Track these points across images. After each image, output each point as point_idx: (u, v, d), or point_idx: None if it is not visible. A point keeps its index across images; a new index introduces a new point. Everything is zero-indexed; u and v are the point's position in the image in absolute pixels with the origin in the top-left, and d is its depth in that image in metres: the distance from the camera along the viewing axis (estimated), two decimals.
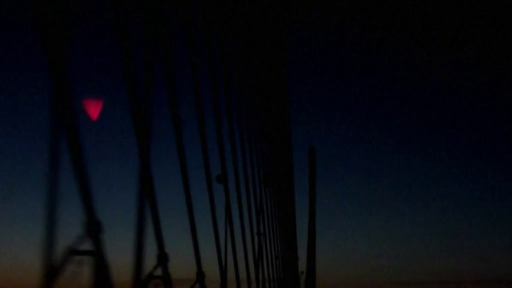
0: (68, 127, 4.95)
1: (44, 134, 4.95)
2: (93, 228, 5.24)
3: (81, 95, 5.35)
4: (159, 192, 6.99)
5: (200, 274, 9.19)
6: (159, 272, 7.36)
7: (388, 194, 75.56)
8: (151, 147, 6.78)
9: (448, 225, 74.51)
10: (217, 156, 11.00)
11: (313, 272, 34.96)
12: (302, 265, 40.77)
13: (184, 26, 8.56)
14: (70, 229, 5.37)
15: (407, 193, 76.58)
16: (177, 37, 8.31)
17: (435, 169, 76.41)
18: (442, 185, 76.80)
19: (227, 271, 12.32)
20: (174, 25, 8.09)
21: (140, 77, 6.61)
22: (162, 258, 7.30)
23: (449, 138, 72.54)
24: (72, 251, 5.16)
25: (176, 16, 8.37)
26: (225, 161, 11.44)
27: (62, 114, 4.95)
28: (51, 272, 4.96)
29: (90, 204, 5.19)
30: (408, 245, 72.33)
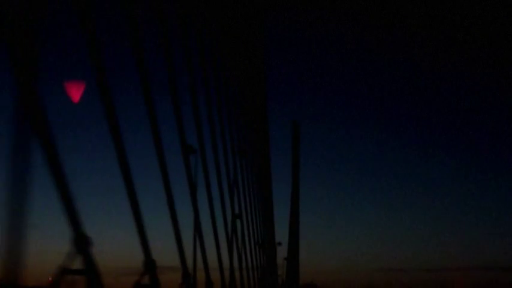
0: (41, 134, 4.75)
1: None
2: (82, 244, 5.04)
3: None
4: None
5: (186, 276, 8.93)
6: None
7: (376, 181, 76.25)
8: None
9: (435, 213, 75.83)
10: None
11: (295, 257, 34.25)
12: (283, 252, 40.24)
13: None
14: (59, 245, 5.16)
15: (396, 181, 77.60)
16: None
17: (424, 157, 77.37)
18: (430, 174, 77.94)
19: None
20: None
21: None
22: (150, 266, 7.01)
23: (441, 126, 73.28)
24: (64, 270, 4.96)
25: None
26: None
27: (35, 126, 4.75)
28: None
29: (76, 217, 4.99)
30: (395, 233, 73.47)
